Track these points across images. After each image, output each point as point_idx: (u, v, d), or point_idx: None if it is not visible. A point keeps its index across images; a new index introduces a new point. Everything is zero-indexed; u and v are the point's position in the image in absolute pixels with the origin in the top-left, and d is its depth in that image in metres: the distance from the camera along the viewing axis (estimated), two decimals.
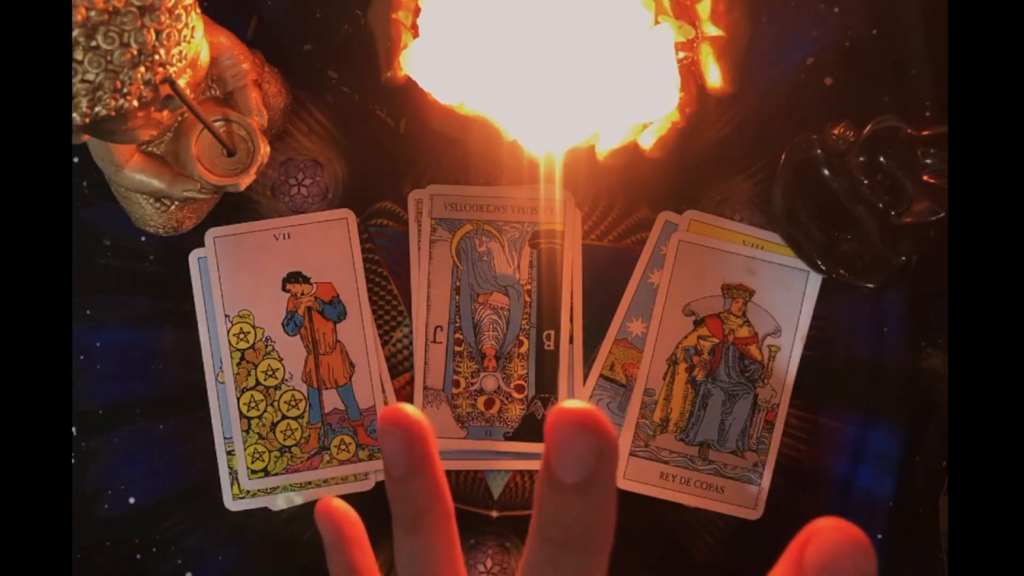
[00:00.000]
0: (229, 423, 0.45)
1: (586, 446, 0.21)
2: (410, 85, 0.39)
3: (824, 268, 0.43)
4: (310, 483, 0.45)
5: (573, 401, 0.22)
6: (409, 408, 0.25)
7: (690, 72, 0.41)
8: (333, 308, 0.45)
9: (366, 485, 0.45)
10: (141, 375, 0.45)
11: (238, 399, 0.45)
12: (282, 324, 0.45)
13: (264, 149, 0.40)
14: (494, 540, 0.46)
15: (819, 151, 0.42)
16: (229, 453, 0.45)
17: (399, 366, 0.46)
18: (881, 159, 0.41)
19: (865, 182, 0.41)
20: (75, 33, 0.29)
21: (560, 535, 0.22)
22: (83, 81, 0.30)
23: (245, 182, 0.40)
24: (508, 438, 0.45)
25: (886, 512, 0.45)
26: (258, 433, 0.45)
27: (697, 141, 0.45)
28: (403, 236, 0.46)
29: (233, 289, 0.45)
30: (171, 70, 0.32)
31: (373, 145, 0.46)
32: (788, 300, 0.45)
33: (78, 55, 0.29)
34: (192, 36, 0.32)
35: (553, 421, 0.21)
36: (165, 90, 0.32)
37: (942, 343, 0.45)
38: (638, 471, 0.45)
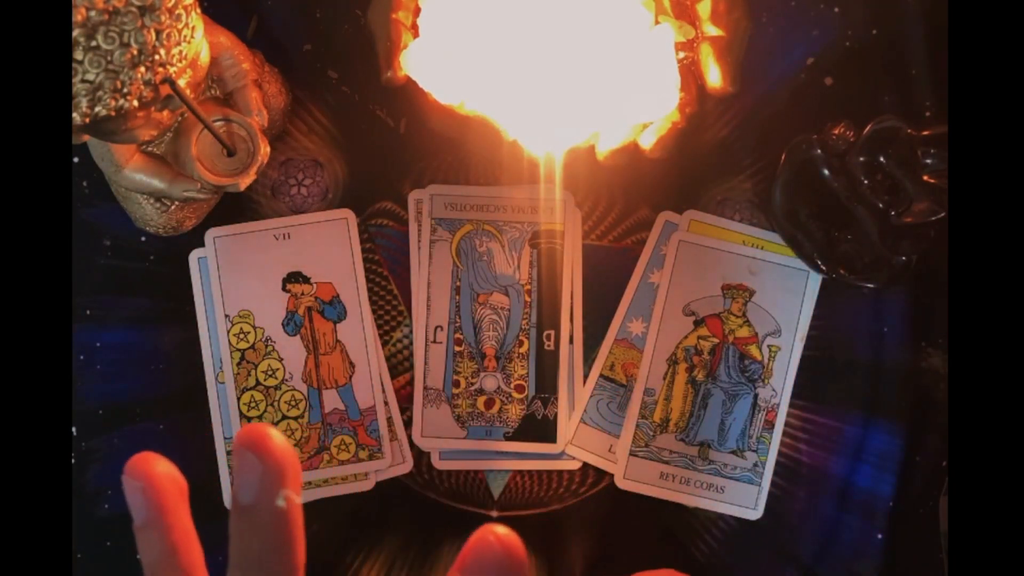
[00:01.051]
0: (229, 423, 0.45)
1: (250, 468, 0.21)
2: (410, 85, 0.39)
3: (824, 268, 0.43)
4: (310, 483, 0.45)
5: (260, 424, 0.22)
6: (159, 463, 0.23)
7: (690, 72, 0.41)
8: (333, 308, 0.45)
9: (366, 485, 0.45)
10: (141, 375, 0.45)
11: (238, 399, 0.45)
12: (282, 324, 0.45)
13: (264, 149, 0.40)
14: None
15: (819, 151, 0.42)
16: (229, 453, 0.45)
17: (399, 366, 0.46)
18: (881, 159, 0.41)
19: (865, 182, 0.41)
20: (75, 33, 0.29)
21: (240, 560, 0.22)
22: (83, 81, 0.30)
23: (245, 182, 0.40)
24: (508, 438, 0.45)
25: (886, 512, 0.45)
26: None
27: (697, 141, 0.45)
28: (403, 236, 0.46)
29: (233, 289, 0.45)
30: (171, 70, 0.32)
31: (373, 145, 0.46)
32: (788, 300, 0.45)
33: (78, 55, 0.29)
34: (192, 36, 0.32)
35: (234, 443, 0.21)
36: (165, 90, 0.32)
37: (942, 343, 0.45)
38: (638, 471, 0.45)
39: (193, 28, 0.32)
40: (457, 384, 0.46)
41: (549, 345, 0.46)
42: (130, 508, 0.24)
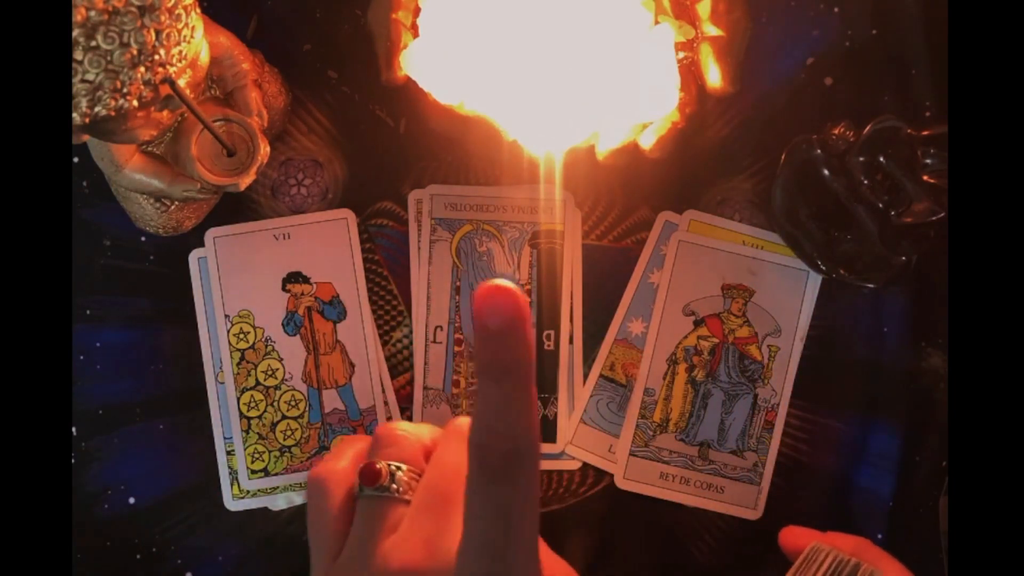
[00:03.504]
0: (229, 423, 0.45)
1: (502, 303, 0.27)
2: (410, 85, 0.40)
3: (824, 268, 0.43)
4: None
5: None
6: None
7: (690, 72, 0.41)
8: (333, 308, 0.45)
9: None
10: (141, 375, 0.45)
11: (238, 399, 0.45)
12: (282, 324, 0.45)
13: (264, 149, 0.40)
14: None
15: (819, 151, 0.42)
16: (229, 453, 0.45)
17: (399, 366, 0.46)
18: (881, 159, 0.41)
19: (865, 182, 0.41)
20: (75, 33, 0.29)
21: (493, 370, 0.28)
22: (83, 81, 0.30)
23: (245, 182, 0.40)
24: None
25: (886, 512, 0.45)
26: (258, 433, 0.45)
27: (697, 141, 0.45)
28: (403, 236, 0.46)
29: (233, 289, 0.45)
30: (171, 70, 0.32)
31: (373, 145, 0.46)
32: (788, 300, 0.45)
33: (78, 55, 0.29)
34: (192, 36, 0.32)
35: (479, 294, 0.27)
36: (165, 90, 0.32)
37: (942, 343, 0.45)
38: (638, 471, 0.45)
39: (193, 28, 0.32)
40: (457, 384, 0.46)
41: (549, 345, 0.46)
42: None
